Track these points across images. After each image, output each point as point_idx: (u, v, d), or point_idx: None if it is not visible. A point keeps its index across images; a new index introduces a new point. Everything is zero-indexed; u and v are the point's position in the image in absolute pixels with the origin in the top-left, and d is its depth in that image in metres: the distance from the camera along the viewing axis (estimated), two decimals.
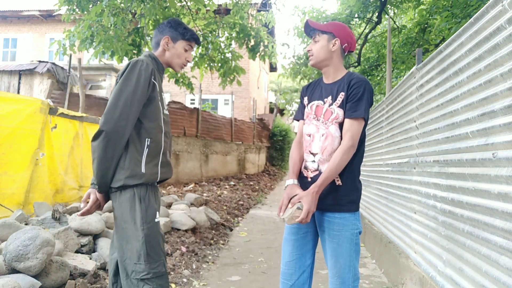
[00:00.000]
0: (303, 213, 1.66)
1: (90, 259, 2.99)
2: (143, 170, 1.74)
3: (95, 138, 1.69)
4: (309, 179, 1.83)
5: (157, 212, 1.80)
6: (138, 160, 1.74)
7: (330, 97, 1.84)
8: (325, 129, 1.81)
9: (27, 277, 2.30)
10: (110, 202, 1.85)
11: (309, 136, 1.88)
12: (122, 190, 1.74)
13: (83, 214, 1.82)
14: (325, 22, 1.94)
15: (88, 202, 1.82)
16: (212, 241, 4.58)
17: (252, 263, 3.91)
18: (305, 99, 1.99)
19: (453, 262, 2.12)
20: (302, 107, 2.02)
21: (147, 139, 1.77)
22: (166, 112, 1.92)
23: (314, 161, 1.83)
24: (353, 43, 1.92)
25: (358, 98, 1.75)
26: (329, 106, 1.83)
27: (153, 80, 1.79)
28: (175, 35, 1.93)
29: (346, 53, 1.93)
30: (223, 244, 4.66)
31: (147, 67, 1.76)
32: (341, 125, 1.79)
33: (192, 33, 1.97)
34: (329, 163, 1.74)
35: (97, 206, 1.84)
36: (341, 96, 1.80)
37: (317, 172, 1.81)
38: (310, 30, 1.92)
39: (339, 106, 1.80)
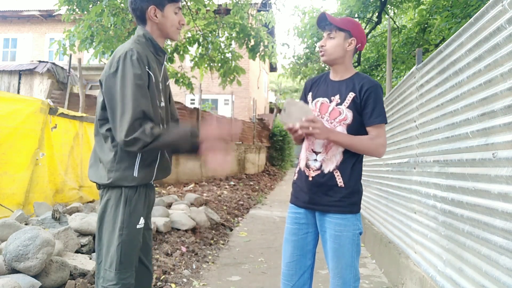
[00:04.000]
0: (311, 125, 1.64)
1: (90, 259, 2.99)
2: (135, 173, 1.59)
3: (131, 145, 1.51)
4: (311, 179, 1.80)
5: (142, 218, 1.64)
6: (131, 163, 1.59)
7: (337, 96, 1.80)
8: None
9: (27, 277, 2.30)
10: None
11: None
12: (110, 187, 1.60)
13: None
14: (340, 17, 1.87)
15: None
16: (212, 241, 4.58)
17: (252, 263, 3.91)
18: (309, 95, 1.92)
19: (453, 262, 2.12)
20: (303, 99, 1.96)
21: None
22: (162, 104, 1.69)
23: (316, 159, 1.79)
24: (365, 43, 1.90)
25: (376, 104, 1.74)
26: (336, 106, 1.78)
27: (147, 69, 1.57)
28: (159, 1, 1.64)
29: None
30: (223, 244, 4.66)
31: (138, 56, 1.53)
32: (349, 127, 1.76)
33: None
34: (353, 136, 1.72)
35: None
36: (350, 97, 1.77)
37: (319, 172, 1.78)
38: (326, 23, 1.82)
39: (348, 107, 1.76)
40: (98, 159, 1.67)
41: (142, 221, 1.65)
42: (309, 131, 1.66)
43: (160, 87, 1.69)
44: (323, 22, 1.83)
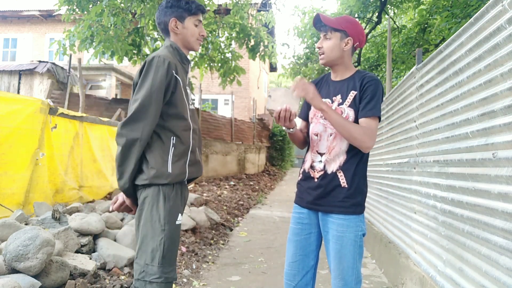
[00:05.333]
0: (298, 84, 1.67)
1: (90, 259, 2.99)
2: (169, 170, 1.67)
3: (117, 141, 1.66)
4: (316, 180, 1.79)
5: (180, 214, 1.73)
6: (164, 159, 1.67)
7: (339, 96, 1.79)
8: (334, 128, 1.76)
9: (27, 277, 2.30)
10: None
11: (317, 135, 1.82)
12: (147, 187, 1.68)
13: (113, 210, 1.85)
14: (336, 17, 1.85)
15: (115, 203, 1.82)
16: (212, 241, 4.58)
17: (252, 263, 3.91)
18: None
19: (453, 262, 2.12)
20: (306, 105, 1.96)
21: (172, 137, 1.70)
22: (191, 107, 1.83)
23: (321, 161, 1.78)
24: (364, 40, 1.87)
25: (372, 97, 1.71)
26: (338, 105, 1.78)
27: (174, 74, 1.69)
28: (180, 14, 1.79)
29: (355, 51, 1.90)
30: (223, 244, 4.66)
31: (163, 62, 1.65)
32: None
33: (196, 4, 1.83)
34: (342, 117, 1.69)
35: (126, 208, 1.82)
36: (352, 95, 1.75)
37: (322, 173, 1.77)
38: (321, 25, 1.82)
39: (349, 106, 1.75)
40: None
41: (180, 217, 1.73)
42: (302, 89, 1.66)
43: (188, 91, 1.83)
44: (318, 23, 1.82)
